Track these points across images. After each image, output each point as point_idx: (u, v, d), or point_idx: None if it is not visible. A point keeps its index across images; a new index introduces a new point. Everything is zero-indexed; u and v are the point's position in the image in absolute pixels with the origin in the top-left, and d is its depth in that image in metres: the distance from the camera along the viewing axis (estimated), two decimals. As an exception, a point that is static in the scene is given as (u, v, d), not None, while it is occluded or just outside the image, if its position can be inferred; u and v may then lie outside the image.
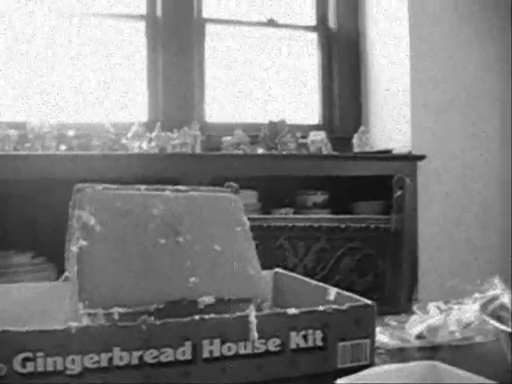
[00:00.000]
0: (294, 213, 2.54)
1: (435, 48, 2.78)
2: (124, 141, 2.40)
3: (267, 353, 0.69)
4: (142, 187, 0.83)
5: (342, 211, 2.38)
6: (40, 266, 2.25)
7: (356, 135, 2.74)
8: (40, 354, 0.61)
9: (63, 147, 2.38)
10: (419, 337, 0.89)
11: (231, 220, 0.82)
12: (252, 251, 0.80)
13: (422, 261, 2.63)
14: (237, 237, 0.81)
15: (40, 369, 0.61)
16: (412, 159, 2.61)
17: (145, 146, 2.38)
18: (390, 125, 2.85)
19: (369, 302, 0.75)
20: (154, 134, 2.40)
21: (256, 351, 0.68)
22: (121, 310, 0.66)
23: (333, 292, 0.83)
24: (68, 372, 0.62)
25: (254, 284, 0.76)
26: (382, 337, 0.88)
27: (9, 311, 0.85)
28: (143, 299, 0.69)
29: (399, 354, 0.83)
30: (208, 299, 0.71)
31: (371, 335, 0.75)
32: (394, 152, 2.68)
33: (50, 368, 0.62)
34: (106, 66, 2.69)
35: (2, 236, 2.33)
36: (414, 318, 0.95)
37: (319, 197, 2.61)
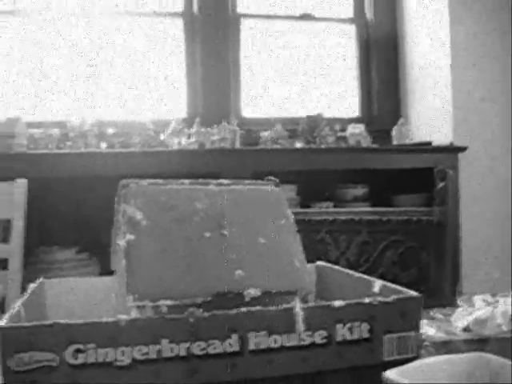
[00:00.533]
0: (334, 207, 2.53)
1: (476, 37, 2.73)
2: (163, 137, 2.43)
3: (313, 345, 0.68)
4: (186, 181, 0.84)
5: (381, 204, 2.36)
6: (84, 262, 2.30)
7: (395, 127, 2.71)
8: (91, 345, 0.62)
9: (104, 145, 2.42)
10: (466, 330, 0.88)
11: (275, 213, 0.82)
12: (297, 244, 0.80)
13: (465, 254, 2.59)
14: (281, 229, 0.80)
15: (91, 360, 0.63)
16: (453, 151, 2.57)
17: (184, 142, 2.40)
18: (429, 117, 2.82)
19: (415, 293, 0.74)
20: (193, 130, 2.42)
21: (302, 343, 0.68)
22: (168, 302, 0.67)
23: (378, 284, 0.82)
24: (118, 363, 0.63)
25: (299, 276, 0.76)
26: (428, 329, 0.87)
27: (59, 304, 0.87)
28: (190, 292, 0.69)
29: (445, 347, 0.82)
30: (254, 292, 0.71)
31: (417, 328, 0.74)
32: (434, 144, 2.64)
33: (100, 359, 0.63)
34: (146, 64, 2.72)
35: (46, 232, 2.38)
36: (459, 310, 0.94)
37: (359, 190, 2.59)
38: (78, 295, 0.90)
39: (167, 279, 0.70)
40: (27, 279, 0.88)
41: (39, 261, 2.23)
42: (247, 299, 0.70)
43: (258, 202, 0.83)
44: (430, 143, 2.63)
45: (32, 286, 0.84)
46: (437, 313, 0.97)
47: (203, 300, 0.68)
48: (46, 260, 2.25)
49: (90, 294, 0.89)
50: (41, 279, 0.90)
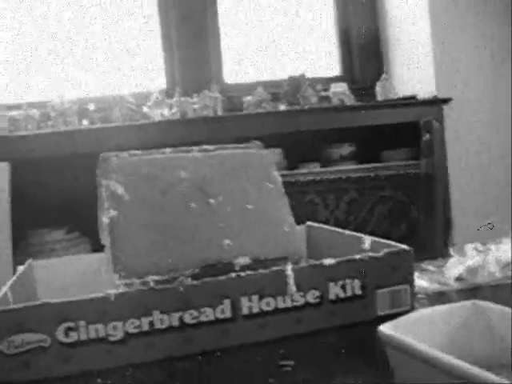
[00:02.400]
0: (321, 167, 2.52)
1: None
2: (145, 110, 2.40)
3: (306, 305, 0.68)
4: (168, 150, 0.82)
5: (369, 162, 2.34)
6: (74, 241, 2.28)
7: (378, 83, 2.69)
8: (82, 322, 0.62)
9: (85, 122, 2.39)
10: (458, 279, 0.88)
11: (262, 177, 0.80)
12: (286, 208, 0.79)
13: (454, 204, 2.60)
14: (269, 194, 0.79)
15: (83, 337, 0.62)
16: (437, 103, 2.55)
17: (166, 112, 2.37)
18: (412, 70, 2.79)
19: (405, 247, 0.74)
20: (174, 100, 2.39)
21: (295, 304, 0.68)
22: (156, 277, 0.66)
23: (367, 240, 0.82)
24: (111, 338, 0.63)
25: (289, 241, 0.75)
26: (421, 282, 0.87)
27: (50, 285, 0.86)
28: (178, 265, 0.68)
29: (439, 298, 0.82)
30: (244, 260, 0.70)
31: (410, 280, 0.74)
32: (419, 97, 2.62)
33: (92, 336, 0.62)
34: (119, 36, 2.67)
35: (34, 215, 2.36)
36: (451, 260, 0.94)
37: (345, 149, 2.58)
38: (68, 274, 0.89)
39: (153, 254, 0.69)
40: (19, 263, 0.86)
41: (30, 244, 2.21)
42: (237, 268, 0.69)
43: (244, 167, 0.81)
44: (414, 97, 2.61)
45: (20, 268, 0.83)
46: (429, 265, 0.97)
47: (192, 272, 0.67)
48: (36, 243, 2.23)
49: (80, 272, 0.88)
50: (29, 261, 0.89)
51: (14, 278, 0.78)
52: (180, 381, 0.58)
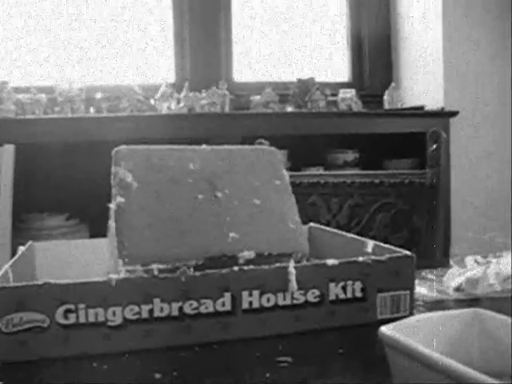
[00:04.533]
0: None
1: (468, 2, 2.70)
2: (152, 102, 2.40)
3: (306, 304, 0.68)
4: (177, 146, 0.82)
5: (372, 169, 2.35)
6: (73, 228, 2.28)
7: (387, 92, 2.69)
8: (81, 305, 0.62)
9: (92, 110, 2.39)
10: (458, 289, 0.88)
11: (270, 173, 0.80)
12: (292, 205, 0.79)
13: (455, 216, 2.60)
14: (276, 190, 0.79)
15: (82, 320, 0.62)
16: (445, 115, 2.56)
17: (173, 106, 2.37)
18: (421, 81, 2.80)
19: (408, 252, 0.74)
20: (182, 95, 2.39)
21: (295, 302, 0.68)
22: (160, 266, 0.65)
23: (370, 244, 0.82)
24: (109, 323, 0.63)
25: (294, 239, 0.74)
26: (421, 289, 0.87)
27: (49, 267, 0.86)
28: (182, 255, 0.68)
29: (437, 307, 0.82)
30: (248, 254, 0.69)
31: (411, 286, 0.74)
32: (426, 108, 2.62)
33: (91, 319, 0.62)
34: (133, 28, 2.67)
35: (34, 199, 2.36)
36: (451, 271, 0.94)
37: (350, 155, 2.58)
38: (69, 257, 0.89)
39: (159, 242, 0.68)
40: (16, 246, 0.86)
41: (28, 228, 2.21)
42: (241, 262, 0.69)
43: (253, 163, 0.81)
44: (422, 107, 2.61)
45: (21, 248, 0.83)
46: (428, 273, 0.97)
47: (196, 263, 0.67)
48: (35, 227, 2.23)
49: (80, 256, 0.88)
50: (30, 242, 0.89)
51: (15, 257, 0.78)
52: (177, 370, 0.58)
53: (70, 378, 0.56)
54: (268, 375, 0.57)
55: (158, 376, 0.57)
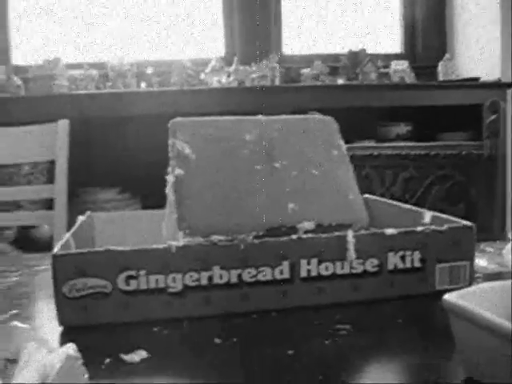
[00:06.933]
0: (376, 145, 2.48)
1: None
2: (202, 76, 2.40)
3: (364, 273, 0.68)
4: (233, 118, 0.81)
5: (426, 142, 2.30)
6: (126, 202, 2.32)
7: (441, 63, 2.62)
8: (142, 272, 0.63)
9: (143, 84, 2.41)
10: (517, 262, 0.86)
11: (327, 143, 0.79)
12: (350, 175, 0.77)
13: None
14: (334, 160, 0.78)
15: (143, 286, 0.63)
16: (502, 86, 2.47)
17: (223, 80, 2.37)
18: (477, 51, 2.71)
19: (468, 223, 0.73)
20: (232, 68, 2.38)
21: (353, 271, 0.67)
22: (220, 237, 0.65)
23: (428, 215, 0.81)
24: (170, 290, 0.64)
25: (353, 209, 0.73)
26: (480, 261, 0.86)
27: (107, 237, 0.88)
28: (242, 226, 0.67)
29: (497, 279, 0.80)
30: (308, 225, 0.69)
31: (470, 258, 0.72)
32: (482, 80, 2.55)
33: (152, 285, 0.63)
34: (182, 2, 2.67)
35: (87, 173, 2.41)
36: (510, 244, 0.92)
37: (402, 128, 2.53)
38: (126, 227, 0.90)
39: (218, 214, 0.68)
40: (70, 221, 0.88)
41: (81, 201, 2.26)
42: (301, 233, 0.68)
43: (310, 132, 0.80)
44: (477, 79, 2.54)
45: (81, 218, 0.85)
46: (487, 246, 0.95)
47: (256, 234, 0.67)
48: (88, 200, 2.28)
49: (138, 227, 0.90)
50: (89, 213, 0.91)
51: (75, 227, 0.80)
52: (234, 337, 0.59)
53: (131, 343, 0.57)
54: (327, 342, 0.57)
55: (217, 341, 0.58)
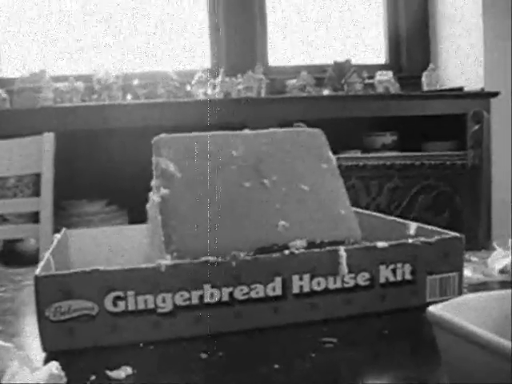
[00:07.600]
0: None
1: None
2: (188, 88, 2.40)
3: (356, 287, 0.67)
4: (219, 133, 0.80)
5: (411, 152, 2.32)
6: (113, 214, 2.31)
7: (425, 73, 2.64)
8: (130, 292, 0.61)
9: (129, 97, 2.40)
10: (503, 271, 0.86)
11: (316, 156, 0.78)
12: (341, 189, 0.76)
13: (496, 198, 2.54)
14: (324, 174, 0.76)
15: (131, 307, 0.61)
16: (485, 96, 2.50)
17: (209, 92, 2.37)
18: (460, 62, 2.74)
19: (457, 234, 0.73)
20: (218, 80, 2.38)
21: (345, 286, 0.67)
22: (210, 259, 0.63)
23: (413, 226, 0.80)
24: (159, 310, 0.62)
25: (345, 225, 0.72)
26: (465, 271, 0.86)
27: (83, 254, 0.85)
28: (232, 247, 0.65)
29: (482, 289, 0.80)
30: (300, 243, 0.68)
31: (460, 269, 0.72)
32: (466, 89, 2.57)
33: (140, 306, 0.61)
34: (167, 14, 2.67)
35: (74, 186, 2.39)
36: (496, 253, 0.92)
37: (388, 138, 2.55)
38: (102, 244, 0.88)
39: (207, 235, 0.66)
40: (56, 232, 0.86)
41: (68, 214, 2.25)
42: (293, 251, 0.67)
43: (298, 146, 0.78)
44: (461, 89, 2.56)
45: (57, 236, 0.83)
46: (472, 256, 0.95)
47: (247, 255, 0.65)
48: (75, 213, 2.26)
49: (114, 243, 0.87)
50: (64, 229, 0.88)
51: (53, 245, 0.77)
52: (226, 356, 0.58)
53: (117, 359, 0.56)
54: (313, 355, 0.57)
55: (203, 356, 0.57)
